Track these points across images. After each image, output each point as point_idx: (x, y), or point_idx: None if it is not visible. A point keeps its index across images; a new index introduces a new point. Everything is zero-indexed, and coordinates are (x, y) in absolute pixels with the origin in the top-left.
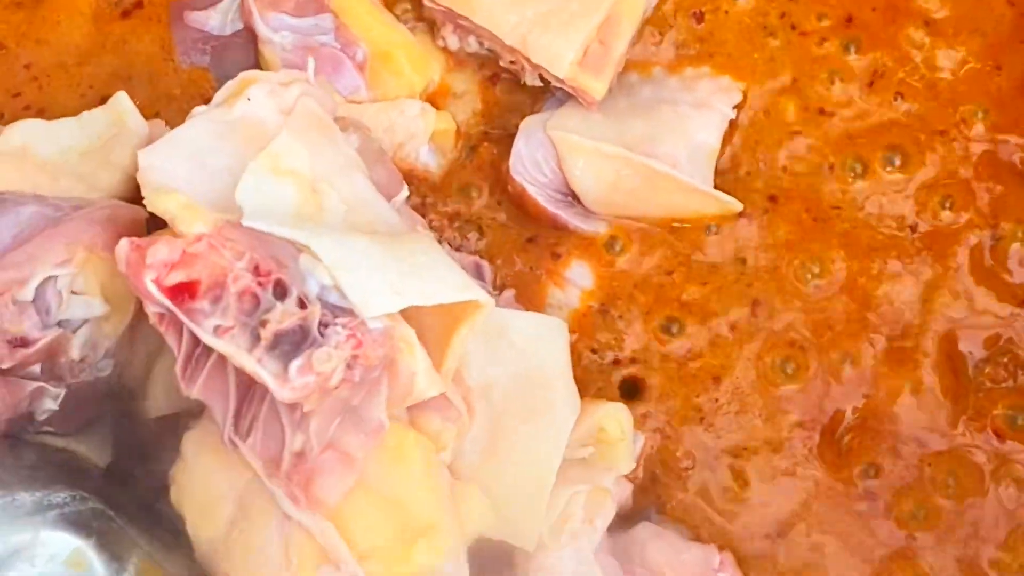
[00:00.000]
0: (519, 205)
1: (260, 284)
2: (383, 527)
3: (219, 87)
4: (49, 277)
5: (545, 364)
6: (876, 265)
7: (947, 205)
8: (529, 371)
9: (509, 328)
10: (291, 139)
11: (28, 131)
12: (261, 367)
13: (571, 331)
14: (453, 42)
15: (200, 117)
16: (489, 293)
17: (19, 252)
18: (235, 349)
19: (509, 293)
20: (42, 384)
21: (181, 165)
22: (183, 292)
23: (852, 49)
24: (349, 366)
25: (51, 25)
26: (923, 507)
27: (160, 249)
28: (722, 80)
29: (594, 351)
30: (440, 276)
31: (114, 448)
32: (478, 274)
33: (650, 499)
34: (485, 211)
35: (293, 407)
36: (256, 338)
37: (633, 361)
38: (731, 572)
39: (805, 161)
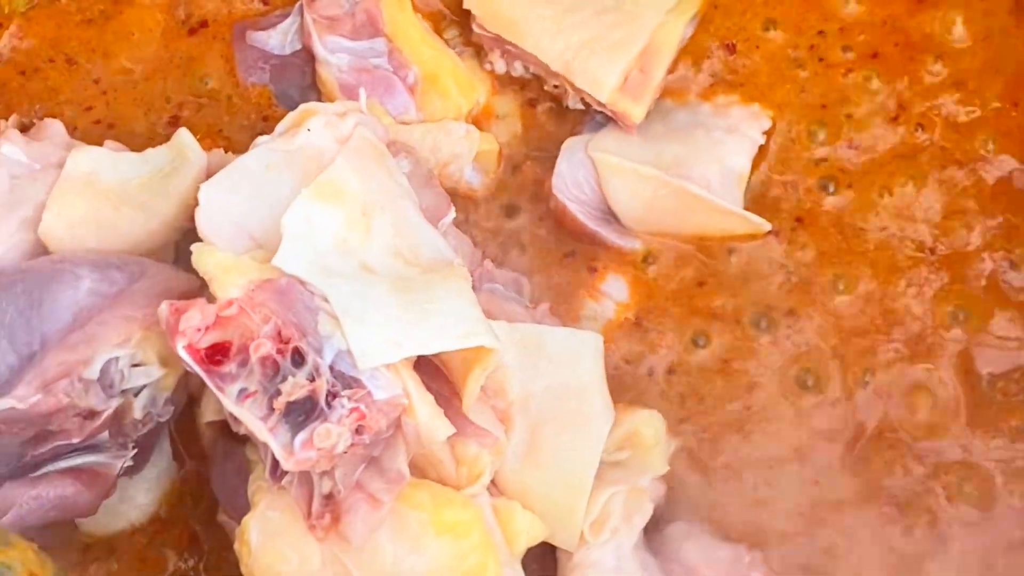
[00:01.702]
0: (559, 222)
1: (280, 352)
2: None
3: (278, 103)
4: (112, 358)
5: (581, 376)
6: (897, 285)
7: (964, 230)
8: (566, 383)
9: (546, 343)
10: (346, 163)
11: (93, 158)
12: (272, 437)
13: (606, 341)
14: (500, 66)
15: (260, 148)
16: (525, 307)
17: (80, 333)
18: (251, 418)
19: (544, 306)
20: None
21: (240, 196)
22: (215, 354)
23: (875, 81)
24: (358, 431)
25: (121, 41)
26: (937, 516)
27: (193, 315)
28: (752, 108)
29: (628, 361)
30: (448, 323)
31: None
32: (517, 289)
33: (681, 500)
34: (526, 228)
35: None
36: (272, 407)
37: (666, 370)
38: (761, 570)
39: (830, 185)
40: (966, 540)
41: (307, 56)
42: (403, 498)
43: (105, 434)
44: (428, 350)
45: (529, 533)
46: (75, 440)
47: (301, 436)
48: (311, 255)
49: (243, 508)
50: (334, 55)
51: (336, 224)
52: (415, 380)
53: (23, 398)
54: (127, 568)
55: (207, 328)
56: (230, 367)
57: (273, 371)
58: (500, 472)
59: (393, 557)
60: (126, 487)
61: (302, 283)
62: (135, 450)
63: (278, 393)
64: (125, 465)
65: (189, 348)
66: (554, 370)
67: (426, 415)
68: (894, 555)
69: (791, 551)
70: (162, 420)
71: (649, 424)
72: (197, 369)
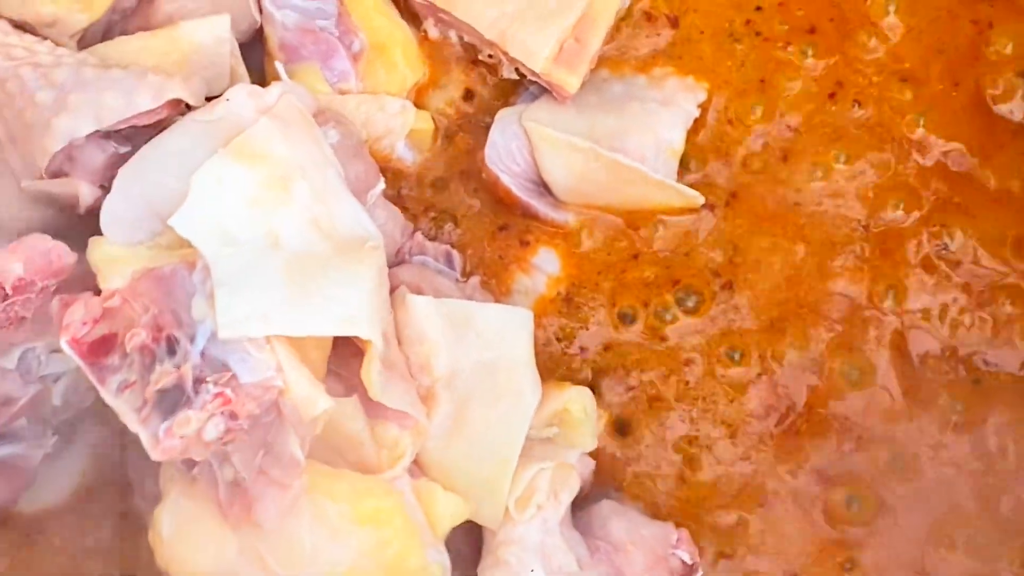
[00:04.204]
0: (492, 194)
1: (155, 340)
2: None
3: None
4: (29, 348)
5: (509, 352)
6: (830, 260)
7: (899, 208)
8: (494, 359)
9: (475, 318)
10: (270, 125)
11: None
12: (142, 427)
13: (536, 316)
14: (434, 33)
15: (178, 122)
16: (457, 280)
17: None
18: (125, 409)
19: (475, 280)
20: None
21: (157, 175)
22: (103, 347)
23: (811, 55)
24: (233, 416)
25: None
26: (864, 495)
27: (77, 309)
28: (687, 80)
29: (558, 338)
30: (329, 308)
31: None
32: (448, 263)
33: (608, 477)
34: (459, 200)
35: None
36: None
37: (596, 346)
38: (688, 548)
39: (764, 160)
40: (895, 516)
41: None
42: (321, 489)
43: (23, 420)
44: (296, 331)
45: (452, 514)
46: None
47: (164, 425)
48: (213, 217)
49: (153, 492)
50: (280, 11)
51: (251, 185)
52: (291, 356)
53: None
54: (44, 552)
55: (94, 321)
56: (113, 359)
57: (150, 360)
58: (423, 450)
59: (312, 547)
60: (47, 470)
61: (188, 265)
62: (55, 437)
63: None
64: (44, 453)
65: (73, 342)
66: (482, 346)
67: (302, 390)
68: (820, 532)
69: (718, 528)
70: (84, 406)
71: (578, 400)
72: (80, 362)
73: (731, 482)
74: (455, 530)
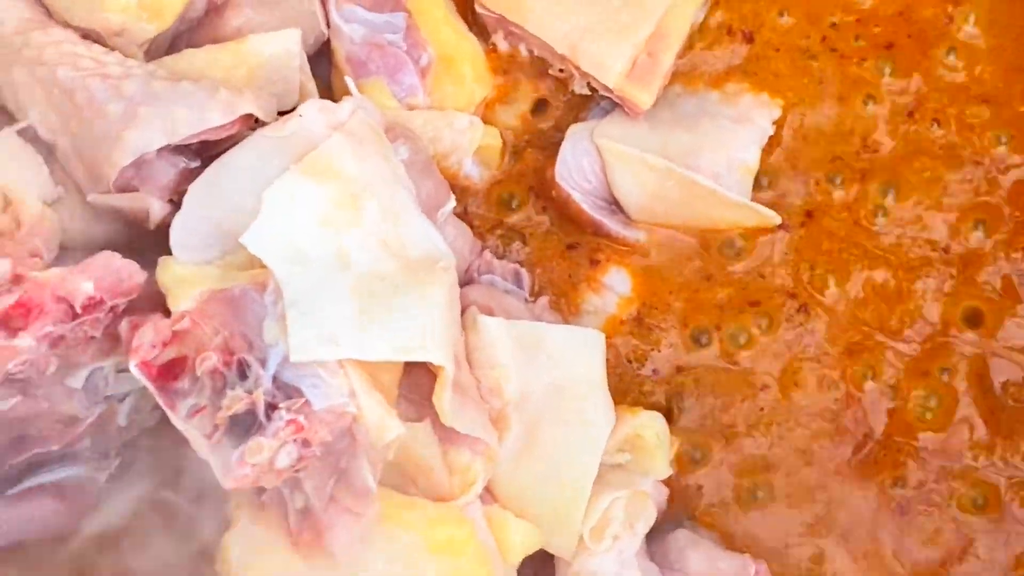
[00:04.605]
0: (562, 212)
1: (226, 364)
2: None
3: None
4: (97, 367)
5: (581, 375)
6: (908, 283)
7: (979, 228)
8: (565, 382)
9: (546, 340)
10: (342, 142)
11: None
12: (213, 454)
13: (607, 337)
14: (504, 48)
15: (249, 138)
16: (525, 300)
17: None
18: (195, 435)
19: (544, 300)
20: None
21: (227, 192)
22: (173, 369)
23: (889, 72)
24: (306, 443)
25: None
26: (945, 527)
27: (146, 332)
28: (762, 96)
29: (629, 360)
30: (400, 332)
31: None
32: (517, 281)
33: (680, 506)
34: (527, 218)
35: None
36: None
37: (668, 369)
38: None
39: (841, 179)
40: (977, 550)
41: None
42: (394, 518)
43: (87, 441)
44: (367, 356)
45: (524, 543)
46: (54, 448)
47: (236, 452)
48: (284, 235)
49: (218, 519)
50: (348, 24)
51: (322, 203)
52: (364, 381)
53: (2, 398)
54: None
55: (164, 344)
56: (183, 383)
57: (221, 385)
58: (495, 475)
59: None
60: (107, 491)
61: (258, 287)
62: (117, 459)
63: (222, 408)
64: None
65: (143, 365)
66: (553, 369)
67: (374, 415)
68: (899, 564)
69: (793, 559)
70: (147, 426)
71: (651, 426)
72: (150, 386)
73: (806, 511)
74: (525, 559)
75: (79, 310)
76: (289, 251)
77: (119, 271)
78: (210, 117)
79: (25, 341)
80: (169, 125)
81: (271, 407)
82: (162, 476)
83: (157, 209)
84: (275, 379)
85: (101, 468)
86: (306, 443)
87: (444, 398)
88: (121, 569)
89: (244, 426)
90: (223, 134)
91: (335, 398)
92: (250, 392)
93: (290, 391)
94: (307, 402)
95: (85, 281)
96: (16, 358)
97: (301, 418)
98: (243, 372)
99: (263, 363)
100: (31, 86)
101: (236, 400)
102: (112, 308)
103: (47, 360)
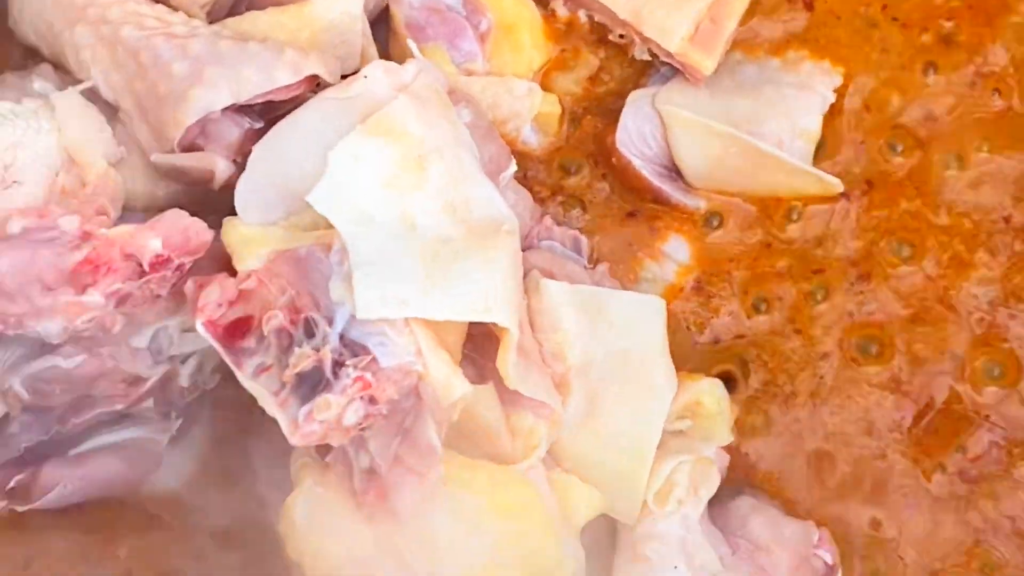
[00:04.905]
0: (622, 178)
1: (293, 322)
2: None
3: None
4: (162, 327)
5: (643, 342)
6: (970, 252)
7: None
8: (627, 349)
9: (608, 306)
10: (407, 103)
11: None
12: (281, 411)
13: (667, 304)
14: (563, 14)
15: (313, 99)
16: (584, 266)
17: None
18: (263, 393)
19: (603, 267)
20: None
21: (292, 153)
22: (239, 328)
23: (950, 41)
24: (371, 401)
25: None
26: (1006, 489)
27: (212, 291)
28: (823, 64)
29: (689, 327)
30: (467, 294)
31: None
32: (576, 248)
33: (740, 473)
34: (587, 184)
35: None
36: (284, 380)
37: (728, 337)
38: (829, 547)
39: (902, 148)
40: None
41: None
42: (459, 481)
43: (149, 402)
44: (434, 315)
45: (588, 507)
46: (118, 407)
47: (304, 409)
48: (350, 195)
49: (280, 479)
50: None
51: (388, 163)
52: (431, 340)
53: (68, 356)
54: (166, 536)
55: (229, 303)
56: (250, 341)
57: (287, 343)
58: (557, 440)
59: (449, 540)
60: (169, 453)
61: (323, 247)
62: (179, 420)
63: (289, 366)
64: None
65: (209, 324)
66: (615, 335)
67: (441, 374)
68: (960, 532)
69: (853, 526)
70: (208, 388)
71: (711, 393)
72: (216, 345)
73: (867, 479)
74: (586, 523)
75: (147, 268)
76: (355, 212)
77: (187, 229)
78: (277, 77)
79: (93, 298)
80: (235, 85)
81: (338, 364)
82: (224, 437)
83: (222, 168)
84: (342, 337)
85: (163, 429)
86: (373, 400)
87: (508, 361)
88: (183, 530)
89: (311, 384)
90: (289, 94)
91: (402, 356)
92: (317, 350)
93: (357, 349)
94: (374, 359)
95: (154, 238)
96: (84, 315)
97: (368, 375)
98: (310, 330)
99: (330, 321)
100: (94, 46)
101: (303, 358)
102: (179, 266)
103: (113, 318)
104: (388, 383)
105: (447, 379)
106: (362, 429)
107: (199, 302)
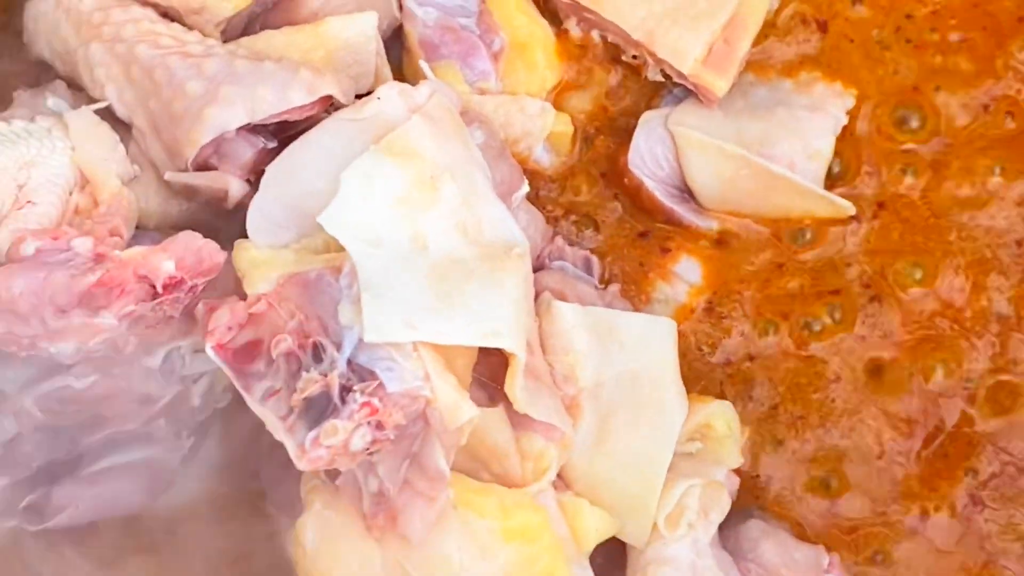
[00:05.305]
0: (634, 199)
1: (301, 346)
2: None
3: None
4: (174, 347)
5: (654, 364)
6: (983, 276)
7: None
8: (638, 371)
9: (619, 328)
10: (421, 124)
11: None
12: (288, 436)
13: (678, 326)
14: (576, 34)
15: (326, 120)
16: (595, 287)
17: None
18: (271, 417)
19: (615, 288)
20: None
21: (304, 174)
22: (249, 352)
23: (964, 64)
24: (380, 426)
25: None
26: (1017, 522)
27: (222, 314)
28: (835, 86)
29: (700, 348)
30: (476, 318)
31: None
32: (587, 268)
33: (749, 495)
34: (598, 205)
35: None
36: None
37: (739, 359)
38: (839, 572)
39: (914, 171)
40: None
41: None
42: (468, 504)
43: (161, 422)
44: (441, 340)
45: (598, 530)
46: (130, 426)
47: (311, 435)
48: (362, 216)
49: (290, 501)
50: (422, 8)
51: (400, 184)
52: (438, 364)
53: (81, 376)
54: (177, 554)
55: (240, 326)
56: (258, 366)
57: (296, 367)
58: (567, 462)
59: (459, 563)
60: (180, 472)
61: (333, 271)
62: (191, 440)
63: (297, 390)
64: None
65: (219, 347)
66: (626, 357)
67: (448, 398)
68: (970, 557)
69: (863, 550)
70: (219, 407)
71: (721, 416)
72: (226, 368)
73: (877, 503)
74: (596, 546)
75: (160, 289)
76: (366, 232)
77: (200, 251)
78: (292, 97)
79: (107, 319)
80: (250, 104)
81: (345, 390)
82: (235, 458)
83: (236, 188)
84: (349, 362)
85: (176, 449)
86: (380, 426)
87: (516, 385)
88: (193, 550)
89: (319, 409)
90: (303, 115)
91: (409, 381)
92: (325, 375)
93: (364, 374)
94: (381, 384)
95: (167, 260)
96: (97, 336)
97: (376, 400)
98: (318, 355)
99: (338, 346)
100: (109, 64)
101: (311, 382)
102: (192, 288)
103: (126, 339)
104: (395, 408)
105: (454, 403)
106: (370, 454)
107: (209, 325)
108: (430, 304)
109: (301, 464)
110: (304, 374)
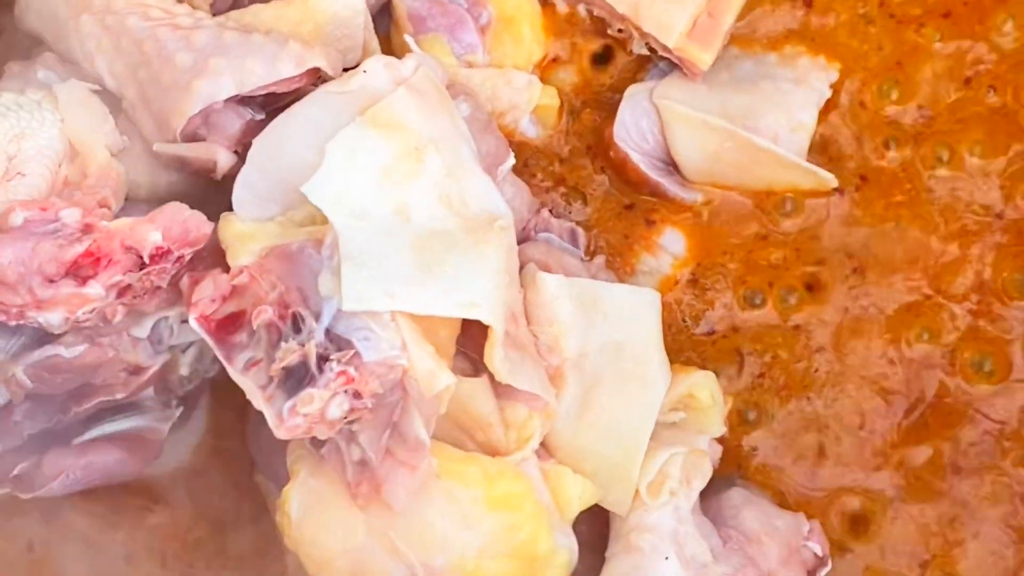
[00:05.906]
0: (619, 172)
1: (281, 317)
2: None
3: None
4: (162, 317)
5: (637, 335)
6: (963, 248)
7: None
8: (621, 341)
9: (603, 299)
10: (407, 96)
11: None
12: (267, 405)
13: (661, 297)
14: (562, 8)
15: (313, 93)
16: (581, 259)
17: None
18: (251, 387)
19: (600, 259)
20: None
21: (291, 147)
22: (231, 323)
23: (946, 38)
24: (356, 395)
25: None
26: (998, 481)
27: (205, 286)
28: (819, 59)
29: (684, 319)
30: (454, 289)
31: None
32: (573, 240)
33: (732, 464)
34: (586, 178)
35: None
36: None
37: (723, 329)
38: (819, 539)
39: (896, 144)
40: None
41: None
42: (452, 473)
43: (150, 391)
44: (419, 310)
45: (581, 498)
46: (119, 395)
47: (288, 403)
48: (346, 186)
49: (277, 470)
50: None
51: (385, 155)
52: (415, 334)
53: (70, 345)
54: (164, 520)
55: (223, 298)
56: (240, 336)
57: (276, 338)
58: (550, 432)
59: (442, 531)
60: (169, 439)
61: (315, 243)
62: (180, 409)
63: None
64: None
65: (202, 319)
66: (610, 327)
67: (425, 367)
68: (948, 524)
69: (845, 519)
70: (208, 376)
71: (704, 386)
72: (209, 339)
73: (858, 472)
74: (579, 514)
75: (147, 260)
76: (349, 203)
77: (186, 221)
78: (280, 69)
79: (94, 289)
80: (239, 76)
81: (323, 359)
82: (222, 426)
83: (224, 159)
84: (328, 332)
85: (164, 418)
86: (357, 395)
87: (495, 356)
88: (182, 517)
89: (297, 378)
90: (291, 87)
91: (386, 350)
92: (303, 344)
93: (342, 343)
94: (357, 354)
95: (154, 231)
96: (85, 306)
97: (351, 370)
98: (297, 325)
99: (317, 316)
100: (99, 35)
101: (289, 352)
102: (179, 258)
103: (114, 309)
104: (371, 377)
105: (431, 372)
106: (349, 422)
107: (193, 298)
108: (410, 275)
109: (280, 432)
110: (283, 344)
